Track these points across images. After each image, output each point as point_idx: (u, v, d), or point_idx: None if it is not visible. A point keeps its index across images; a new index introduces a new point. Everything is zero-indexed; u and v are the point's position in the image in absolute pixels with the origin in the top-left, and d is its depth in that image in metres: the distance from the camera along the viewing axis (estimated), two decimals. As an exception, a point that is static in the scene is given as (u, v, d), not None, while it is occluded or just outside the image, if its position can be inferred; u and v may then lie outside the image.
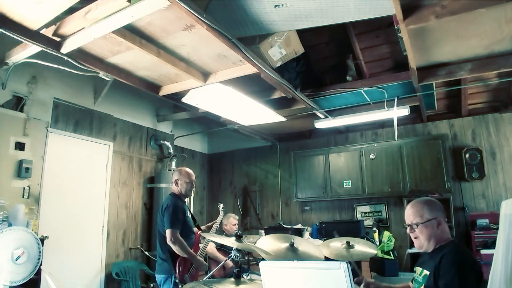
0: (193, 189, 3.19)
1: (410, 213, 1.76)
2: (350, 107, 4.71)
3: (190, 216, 3.10)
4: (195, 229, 3.20)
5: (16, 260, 2.56)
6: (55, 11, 2.37)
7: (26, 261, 2.73)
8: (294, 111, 4.66)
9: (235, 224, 4.38)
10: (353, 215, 5.48)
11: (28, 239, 2.85)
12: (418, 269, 1.80)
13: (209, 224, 3.62)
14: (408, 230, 1.77)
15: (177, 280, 2.78)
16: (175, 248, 2.77)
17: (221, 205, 3.75)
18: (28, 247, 2.82)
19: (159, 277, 2.90)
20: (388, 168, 5.05)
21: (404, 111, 4.23)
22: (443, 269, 1.55)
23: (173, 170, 3.28)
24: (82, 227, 4.27)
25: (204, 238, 3.22)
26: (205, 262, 2.96)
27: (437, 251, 1.69)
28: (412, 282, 1.83)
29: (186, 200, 3.25)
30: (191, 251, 2.86)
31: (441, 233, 1.70)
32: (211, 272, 2.84)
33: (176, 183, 3.04)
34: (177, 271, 2.80)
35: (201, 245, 3.23)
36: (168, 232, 2.78)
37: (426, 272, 1.68)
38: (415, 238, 1.74)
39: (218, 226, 3.49)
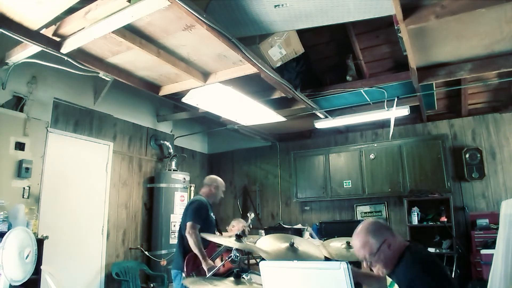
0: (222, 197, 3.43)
1: (358, 248, 1.68)
2: (350, 107, 4.71)
3: (214, 218, 3.17)
4: (216, 233, 3.25)
5: (26, 258, 2.60)
6: (55, 11, 2.37)
7: (30, 260, 2.75)
8: (294, 111, 4.66)
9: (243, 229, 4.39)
10: (353, 215, 5.48)
11: (31, 239, 2.87)
12: (388, 279, 1.78)
13: (231, 233, 3.64)
14: (365, 265, 1.70)
15: (184, 275, 2.83)
16: (190, 241, 2.84)
17: (252, 215, 3.70)
18: (32, 246, 2.85)
19: (172, 272, 3.01)
20: (388, 168, 5.05)
21: (404, 111, 4.23)
22: (416, 285, 1.50)
23: (211, 176, 3.43)
24: (82, 227, 4.27)
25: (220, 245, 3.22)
26: (214, 265, 2.92)
27: (396, 267, 1.63)
28: None
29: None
30: (204, 250, 2.87)
31: (393, 252, 1.63)
32: (212, 271, 2.85)
33: (213, 188, 3.25)
34: (185, 266, 2.84)
35: (217, 248, 3.19)
36: (188, 224, 2.88)
37: None
38: (375, 268, 1.66)
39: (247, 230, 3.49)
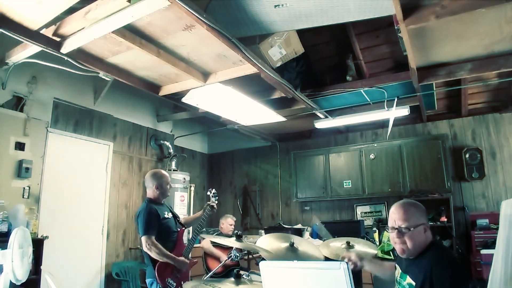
0: (171, 187, 3.11)
1: (398, 217, 1.63)
2: (350, 107, 4.71)
3: (170, 216, 2.97)
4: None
5: (28, 257, 2.61)
6: (55, 11, 2.37)
7: (31, 260, 2.76)
8: (294, 111, 4.66)
9: (231, 225, 4.39)
10: (353, 215, 5.47)
11: (30, 239, 2.87)
12: (398, 268, 1.74)
13: (194, 215, 3.42)
14: (395, 235, 1.62)
15: (159, 287, 2.71)
16: (153, 254, 2.70)
17: (213, 190, 3.32)
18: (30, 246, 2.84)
19: (147, 281, 2.84)
20: (388, 168, 5.05)
21: (404, 111, 4.23)
22: (436, 280, 1.48)
23: (148, 173, 3.04)
24: (82, 227, 4.27)
25: (198, 235, 3.10)
26: (186, 260, 2.84)
27: (419, 256, 1.61)
28: (395, 282, 1.76)
29: (164, 201, 3.09)
30: (169, 253, 2.75)
31: (426, 239, 1.61)
32: (212, 272, 2.85)
33: (158, 188, 2.93)
34: (157, 277, 2.71)
35: (189, 242, 3.04)
36: (143, 239, 2.72)
37: (411, 281, 1.60)
38: (402, 244, 1.61)
39: (207, 212, 3.16)
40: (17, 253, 2.16)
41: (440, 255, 1.57)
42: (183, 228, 3.07)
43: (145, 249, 2.71)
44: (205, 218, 3.15)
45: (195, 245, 3.25)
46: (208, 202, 3.18)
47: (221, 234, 4.29)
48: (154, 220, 2.77)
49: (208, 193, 3.28)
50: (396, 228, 1.62)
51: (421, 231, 1.61)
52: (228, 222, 4.38)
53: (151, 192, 2.96)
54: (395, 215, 1.66)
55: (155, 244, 2.69)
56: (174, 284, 2.76)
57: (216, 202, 3.24)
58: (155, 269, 2.73)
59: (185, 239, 3.36)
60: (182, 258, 2.82)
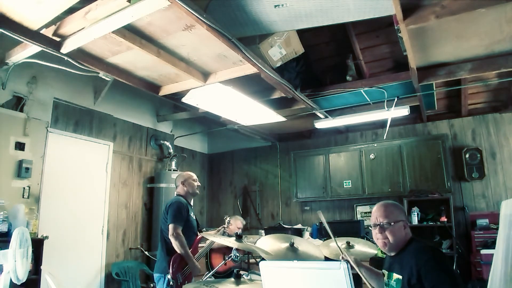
0: (200, 186, 3.31)
1: (379, 214, 1.75)
2: (350, 107, 4.71)
3: (194, 217, 3.11)
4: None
5: (26, 257, 2.61)
6: (55, 11, 2.37)
7: (32, 260, 2.76)
8: (294, 111, 4.66)
9: (240, 228, 4.36)
10: (353, 215, 5.47)
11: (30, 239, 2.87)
12: (385, 273, 1.79)
13: (211, 232, 3.64)
14: (377, 230, 1.74)
15: (169, 277, 2.76)
16: (175, 243, 2.79)
17: (228, 218, 3.61)
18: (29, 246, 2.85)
19: (155, 276, 2.94)
20: (388, 168, 5.05)
21: (404, 111, 4.23)
22: (424, 269, 1.53)
23: (177, 175, 3.39)
24: (82, 227, 4.27)
25: (204, 241, 3.22)
26: (199, 267, 2.91)
27: (401, 252, 1.71)
28: (385, 287, 1.80)
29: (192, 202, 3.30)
30: (189, 251, 2.85)
31: (405, 235, 1.72)
32: (215, 269, 2.86)
33: (183, 184, 3.14)
34: (171, 267, 2.77)
35: (200, 250, 3.18)
36: (170, 226, 2.82)
37: (397, 276, 1.66)
38: (384, 239, 1.72)
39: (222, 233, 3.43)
40: (18, 253, 2.16)
41: (420, 246, 1.67)
42: (201, 236, 3.17)
43: (170, 236, 2.80)
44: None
45: (200, 244, 3.34)
46: (223, 226, 3.45)
47: (228, 235, 4.28)
48: (184, 212, 2.93)
49: (225, 218, 3.55)
50: (378, 224, 1.74)
51: (401, 226, 1.72)
52: (236, 224, 4.33)
53: (181, 190, 3.15)
54: (376, 213, 1.79)
55: (180, 235, 2.81)
56: (181, 281, 2.81)
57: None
58: (171, 259, 2.79)
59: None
60: (197, 265, 2.88)
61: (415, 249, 1.65)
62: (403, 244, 1.71)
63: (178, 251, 2.80)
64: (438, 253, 1.63)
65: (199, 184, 3.27)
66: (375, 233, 1.77)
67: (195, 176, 3.24)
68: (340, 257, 1.89)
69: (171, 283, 2.74)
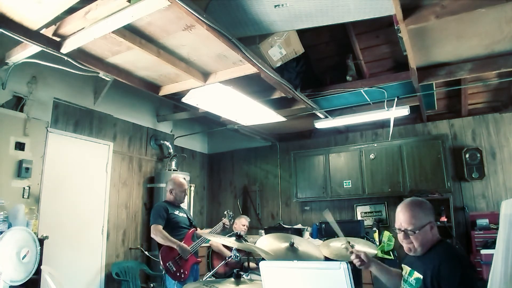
0: (186, 195, 3.50)
1: (404, 219, 1.65)
2: (350, 107, 4.71)
3: (181, 215, 3.28)
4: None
5: (22, 259, 2.60)
6: (55, 11, 2.37)
7: (29, 260, 2.76)
8: (294, 111, 4.66)
9: (244, 225, 4.34)
10: (353, 215, 5.48)
11: (30, 239, 2.87)
12: (406, 268, 1.74)
13: (207, 230, 3.75)
14: (401, 236, 1.65)
15: (161, 267, 3.01)
16: (157, 239, 3.04)
17: (230, 212, 3.65)
18: (31, 247, 2.85)
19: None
20: (388, 168, 5.05)
21: (404, 111, 4.23)
22: (445, 274, 1.48)
23: (170, 175, 3.54)
24: (82, 227, 4.27)
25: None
26: (188, 248, 3.08)
27: (427, 252, 1.64)
28: (402, 282, 1.77)
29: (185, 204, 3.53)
30: (172, 238, 3.03)
31: (432, 237, 1.63)
32: (215, 269, 2.86)
33: (171, 192, 3.35)
34: (160, 259, 3.00)
35: (193, 243, 3.28)
36: (151, 227, 3.08)
37: (418, 275, 1.61)
38: (409, 244, 1.64)
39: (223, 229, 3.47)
40: (8, 254, 2.13)
41: (449, 252, 1.58)
42: (194, 229, 3.35)
43: (152, 236, 3.07)
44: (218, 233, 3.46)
45: (203, 245, 3.46)
46: (223, 220, 3.47)
47: (225, 229, 4.28)
48: (162, 212, 3.15)
49: (225, 212, 3.65)
50: (402, 230, 1.64)
51: (427, 230, 1.61)
52: (241, 222, 4.34)
53: (167, 196, 3.38)
54: (400, 217, 1.67)
55: (160, 231, 3.03)
56: (174, 269, 3.00)
57: (231, 222, 3.58)
58: (159, 252, 3.03)
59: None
60: (185, 245, 3.07)
61: (443, 253, 1.57)
62: (430, 245, 1.63)
63: (164, 244, 3.02)
64: (466, 262, 1.55)
65: (187, 194, 3.49)
66: (400, 237, 1.68)
67: (184, 187, 3.40)
68: (349, 252, 1.87)
69: (163, 272, 3.00)
